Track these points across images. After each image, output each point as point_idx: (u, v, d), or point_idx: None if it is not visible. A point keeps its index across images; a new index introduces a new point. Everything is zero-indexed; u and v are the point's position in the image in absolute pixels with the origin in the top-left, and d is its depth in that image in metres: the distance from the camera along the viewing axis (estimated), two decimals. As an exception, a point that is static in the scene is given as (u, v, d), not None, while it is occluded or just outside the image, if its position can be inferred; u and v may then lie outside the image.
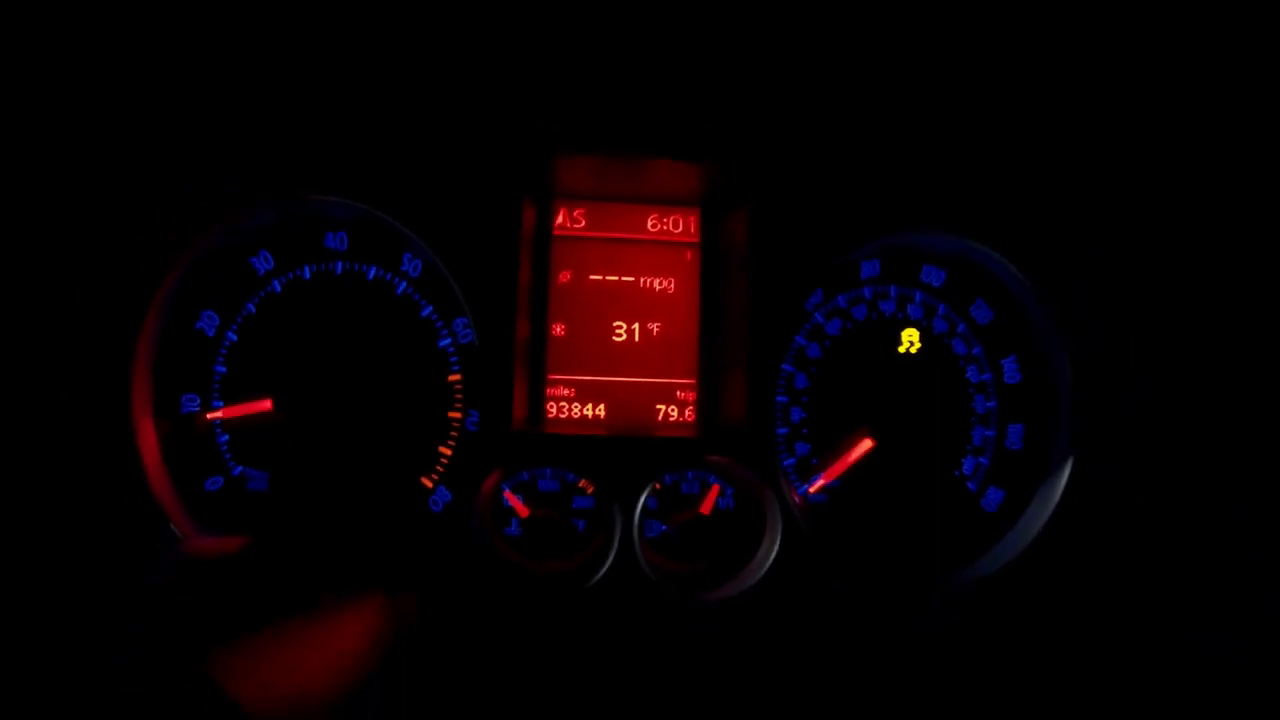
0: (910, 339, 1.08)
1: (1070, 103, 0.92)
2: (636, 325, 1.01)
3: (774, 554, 0.93)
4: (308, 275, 0.99)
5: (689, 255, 1.02)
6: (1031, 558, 1.00)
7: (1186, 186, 0.95)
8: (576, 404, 0.99)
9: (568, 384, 0.99)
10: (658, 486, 1.01)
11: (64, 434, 0.87)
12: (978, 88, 0.92)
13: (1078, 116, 0.93)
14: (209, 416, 0.98)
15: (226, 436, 0.98)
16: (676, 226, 1.03)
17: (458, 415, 1.00)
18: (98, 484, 0.88)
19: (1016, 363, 1.08)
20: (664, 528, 1.01)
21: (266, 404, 0.97)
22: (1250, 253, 0.91)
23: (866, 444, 1.04)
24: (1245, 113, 0.88)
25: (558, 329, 1.00)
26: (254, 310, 0.99)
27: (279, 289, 0.99)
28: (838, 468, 1.04)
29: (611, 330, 1.01)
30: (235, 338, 0.98)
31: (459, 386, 1.00)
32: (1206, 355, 0.95)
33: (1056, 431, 1.04)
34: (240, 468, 0.98)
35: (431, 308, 1.00)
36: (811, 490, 1.03)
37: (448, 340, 1.00)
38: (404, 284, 1.00)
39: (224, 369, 0.98)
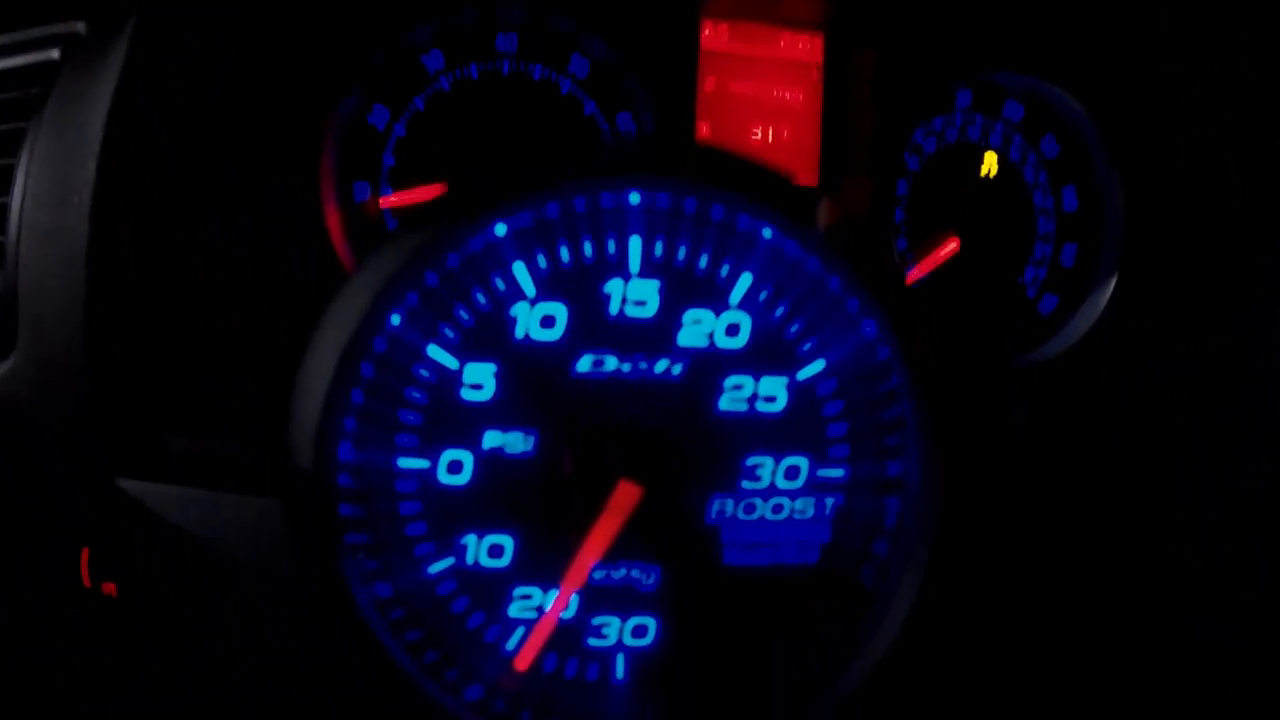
0: (990, 163, 1.12)
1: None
2: (771, 130, 1.04)
3: None
4: (475, 74, 0.96)
5: (814, 74, 1.04)
6: (1078, 352, 1.09)
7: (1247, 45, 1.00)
8: (723, 188, 1.03)
9: (715, 174, 1.03)
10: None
11: (266, 215, 0.87)
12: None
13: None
14: (382, 203, 0.98)
15: (395, 223, 0.99)
16: (803, 48, 1.03)
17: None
18: (296, 255, 0.87)
19: (1075, 192, 1.13)
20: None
21: (440, 189, 0.98)
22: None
23: (954, 244, 1.10)
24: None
25: (704, 128, 1.01)
26: (422, 106, 0.95)
27: (447, 86, 0.95)
28: (929, 262, 1.09)
29: (749, 132, 1.02)
30: (403, 131, 0.95)
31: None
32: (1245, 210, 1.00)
33: (1104, 253, 1.12)
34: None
35: (594, 104, 1.01)
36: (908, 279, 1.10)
37: (608, 130, 1.01)
38: (569, 83, 0.98)
39: (392, 160, 0.95)
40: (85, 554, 0.68)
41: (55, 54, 0.77)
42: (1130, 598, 0.95)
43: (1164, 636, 0.91)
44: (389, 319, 0.55)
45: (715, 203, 0.57)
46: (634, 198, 0.57)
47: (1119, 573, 0.96)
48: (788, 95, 1.05)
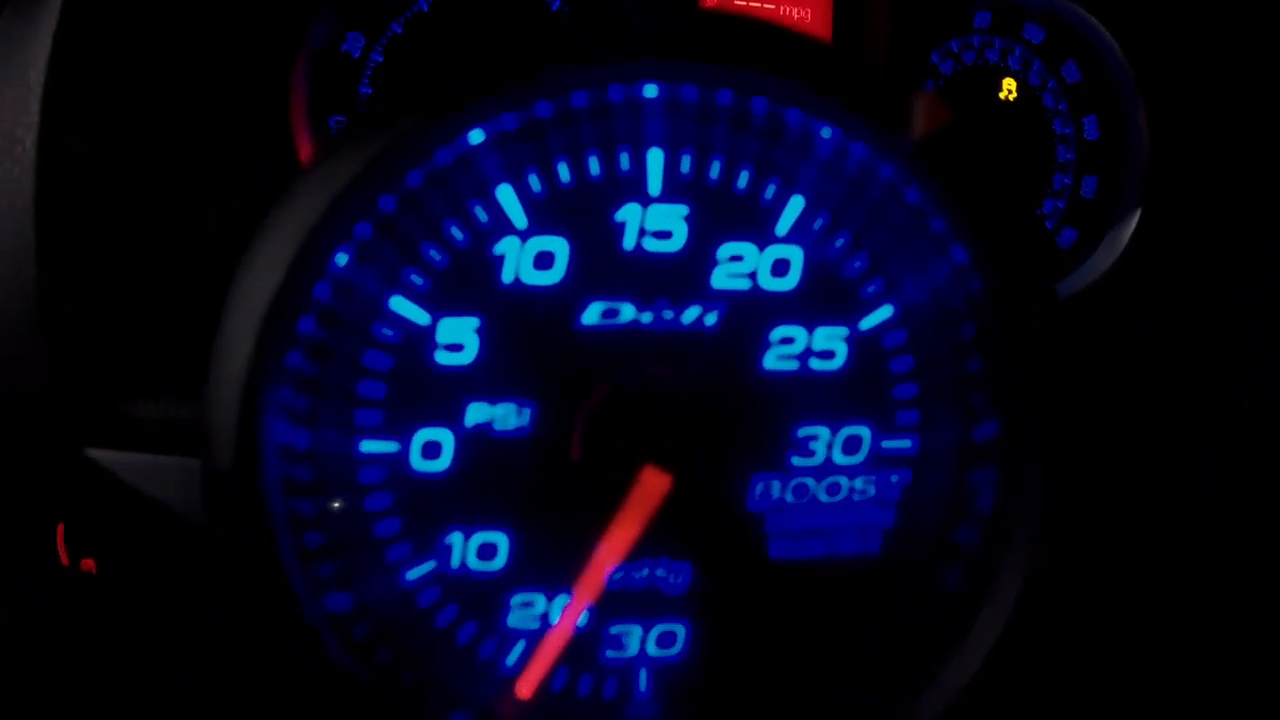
0: (1009, 87, 1.04)
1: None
2: (778, 48, 0.94)
3: None
4: (456, -7, 0.81)
5: (823, -10, 0.90)
6: (1097, 290, 1.01)
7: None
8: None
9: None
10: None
11: (234, 154, 0.79)
12: None
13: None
14: (359, 137, 0.87)
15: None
16: (813, -38, 0.89)
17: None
18: (267, 195, 0.78)
19: (1096, 122, 1.05)
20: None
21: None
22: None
23: (972, 170, 1.01)
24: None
25: (706, 51, 0.91)
26: (400, 30, 0.84)
27: (426, 8, 0.84)
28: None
29: (756, 51, 0.93)
30: (381, 58, 0.83)
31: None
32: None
33: (1126, 186, 1.04)
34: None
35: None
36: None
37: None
38: (558, 1, 0.87)
39: (370, 90, 0.83)
40: (60, 531, 0.61)
41: (-5, -6, 0.68)
42: (1134, 568, 0.88)
43: (1167, 610, 0.86)
44: (332, 259, 0.40)
45: (766, 97, 0.41)
46: (650, 90, 0.41)
47: (1123, 536, 0.88)
48: (796, 13, 0.95)
